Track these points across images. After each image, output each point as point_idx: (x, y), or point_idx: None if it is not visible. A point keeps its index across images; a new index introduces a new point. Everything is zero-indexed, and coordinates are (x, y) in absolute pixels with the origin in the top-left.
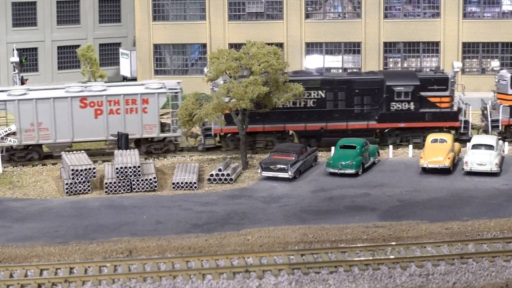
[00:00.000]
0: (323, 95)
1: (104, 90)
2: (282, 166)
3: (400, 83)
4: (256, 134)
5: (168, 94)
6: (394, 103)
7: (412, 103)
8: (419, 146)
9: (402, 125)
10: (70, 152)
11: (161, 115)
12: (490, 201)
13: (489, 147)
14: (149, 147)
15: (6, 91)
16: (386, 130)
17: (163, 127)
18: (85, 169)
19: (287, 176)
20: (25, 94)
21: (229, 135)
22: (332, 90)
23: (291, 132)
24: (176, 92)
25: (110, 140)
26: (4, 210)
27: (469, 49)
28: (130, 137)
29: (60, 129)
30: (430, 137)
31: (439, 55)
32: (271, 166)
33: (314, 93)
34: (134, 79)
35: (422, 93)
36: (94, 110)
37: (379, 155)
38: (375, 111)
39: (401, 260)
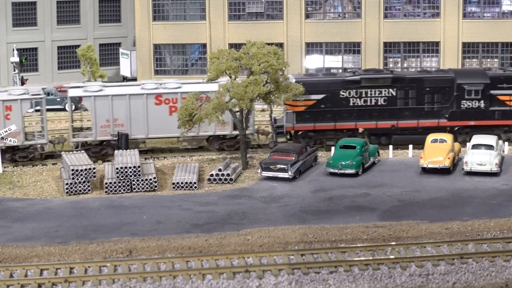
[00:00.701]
0: (394, 93)
1: (179, 87)
2: (282, 166)
3: (471, 81)
4: (326, 132)
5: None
6: (464, 101)
7: (482, 101)
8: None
9: (472, 123)
10: (70, 152)
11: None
12: (490, 201)
13: (489, 147)
14: (222, 144)
15: (81, 87)
16: (456, 128)
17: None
18: (85, 169)
19: (287, 176)
20: (101, 90)
21: (300, 132)
22: (403, 88)
23: (360, 130)
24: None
25: (184, 137)
26: (4, 210)
27: (469, 49)
28: (203, 134)
29: (135, 125)
30: (430, 137)
31: (439, 55)
32: (271, 166)
33: (385, 91)
34: (134, 79)
35: (492, 91)
36: (169, 107)
37: (379, 155)
38: (446, 109)
39: (401, 260)
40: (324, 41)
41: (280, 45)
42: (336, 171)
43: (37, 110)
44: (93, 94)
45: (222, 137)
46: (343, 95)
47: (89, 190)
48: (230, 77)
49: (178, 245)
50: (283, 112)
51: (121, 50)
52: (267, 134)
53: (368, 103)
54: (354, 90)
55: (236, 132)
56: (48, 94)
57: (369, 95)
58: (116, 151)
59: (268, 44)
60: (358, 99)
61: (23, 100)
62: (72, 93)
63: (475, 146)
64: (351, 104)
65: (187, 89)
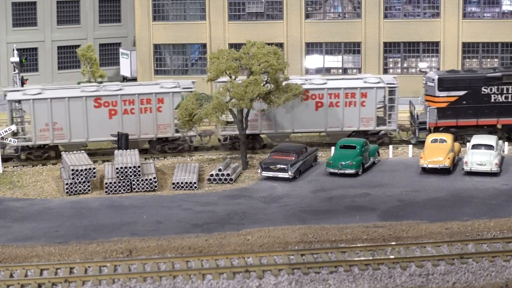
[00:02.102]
0: None
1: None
2: (282, 166)
3: None
4: (468, 128)
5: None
6: None
7: None
8: None
9: None
10: (70, 152)
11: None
12: (490, 201)
13: (489, 147)
14: (366, 138)
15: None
16: None
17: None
18: (85, 169)
19: (287, 176)
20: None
21: (441, 128)
22: None
23: (499, 126)
24: (393, 87)
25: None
26: (4, 210)
27: (469, 49)
28: (348, 129)
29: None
30: (430, 137)
31: (439, 55)
32: (271, 166)
33: None
34: (134, 79)
35: None
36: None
37: (379, 155)
38: None
39: (401, 260)
40: (324, 41)
41: (280, 45)
42: (336, 171)
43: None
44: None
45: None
46: (484, 91)
47: (89, 190)
48: (230, 77)
49: (178, 245)
50: (425, 109)
51: (121, 50)
52: (407, 130)
53: (510, 100)
54: (496, 87)
55: (379, 128)
56: None
57: (510, 91)
58: (116, 151)
59: (268, 44)
60: (499, 96)
61: (175, 93)
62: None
63: (475, 146)
64: (492, 100)
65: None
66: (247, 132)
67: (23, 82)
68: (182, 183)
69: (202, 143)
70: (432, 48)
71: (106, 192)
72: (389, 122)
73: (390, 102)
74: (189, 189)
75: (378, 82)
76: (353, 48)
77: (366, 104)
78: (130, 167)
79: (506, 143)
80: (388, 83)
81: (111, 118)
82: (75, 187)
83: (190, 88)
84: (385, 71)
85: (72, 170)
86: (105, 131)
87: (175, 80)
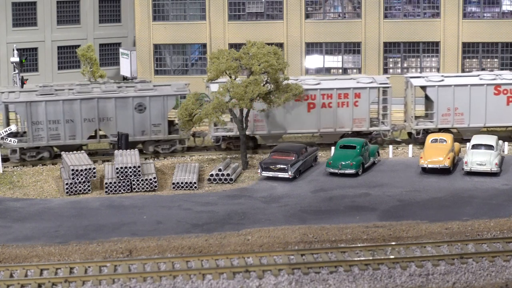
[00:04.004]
0: None
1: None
2: (282, 166)
3: None
4: None
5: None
6: None
7: None
8: None
9: None
10: (71, 152)
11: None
12: (490, 201)
13: (489, 147)
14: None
15: (424, 77)
16: None
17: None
18: (85, 169)
19: (287, 176)
20: (442, 80)
21: None
22: None
23: None
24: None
25: None
26: (4, 210)
27: (469, 49)
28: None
29: (474, 114)
30: (430, 137)
31: (439, 55)
32: (271, 166)
33: None
34: (134, 79)
35: None
36: (507, 97)
37: (379, 155)
38: None
39: (401, 260)
40: (324, 41)
41: (280, 45)
42: (336, 171)
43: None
44: (436, 83)
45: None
46: None
47: (89, 190)
48: (230, 77)
49: (178, 245)
50: None
51: (121, 50)
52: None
53: None
54: None
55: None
56: None
57: None
58: (116, 151)
59: (268, 44)
60: None
61: (371, 88)
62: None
63: (475, 146)
64: None
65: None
66: (440, 126)
67: (23, 82)
68: (182, 183)
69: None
70: (432, 48)
71: (106, 192)
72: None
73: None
74: (189, 189)
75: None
76: (353, 48)
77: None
78: (130, 167)
79: (506, 143)
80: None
81: (309, 112)
82: (75, 187)
83: (386, 83)
84: (385, 71)
85: (72, 170)
86: (303, 125)
87: (369, 76)
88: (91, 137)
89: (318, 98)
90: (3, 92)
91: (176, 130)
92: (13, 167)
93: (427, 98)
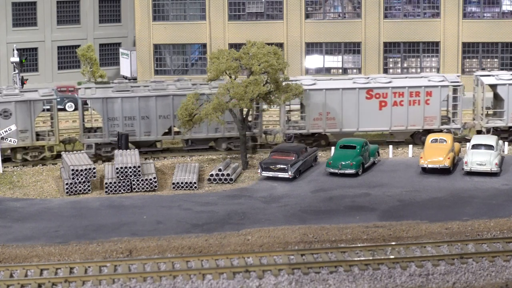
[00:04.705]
0: None
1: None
2: (282, 166)
3: None
4: None
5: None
6: None
7: None
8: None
9: None
10: (70, 152)
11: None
12: (490, 201)
13: (489, 147)
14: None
15: (494, 75)
16: None
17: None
18: (85, 169)
19: (287, 176)
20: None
21: None
22: None
23: None
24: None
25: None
26: (4, 210)
27: (469, 49)
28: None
29: None
30: (430, 137)
31: (439, 55)
32: (271, 166)
33: None
34: (134, 79)
35: None
36: None
37: (379, 155)
38: None
39: (401, 260)
40: (324, 41)
41: (280, 45)
42: (336, 171)
43: None
44: (508, 82)
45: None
46: None
47: (89, 190)
48: (230, 77)
49: (178, 245)
50: None
51: (121, 50)
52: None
53: None
54: None
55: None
56: None
57: None
58: (116, 151)
59: (268, 44)
60: None
61: (443, 87)
62: None
63: (475, 146)
64: None
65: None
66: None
67: (23, 82)
68: (182, 183)
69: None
70: (432, 48)
71: (106, 192)
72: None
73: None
74: (189, 189)
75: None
76: (353, 48)
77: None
78: (130, 167)
79: (506, 143)
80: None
81: (381, 110)
82: (75, 187)
83: (457, 82)
84: (385, 71)
85: (72, 170)
86: (375, 123)
87: (440, 74)
88: (165, 133)
89: (390, 96)
90: (79, 88)
91: (249, 127)
92: (13, 167)
93: (495, 96)
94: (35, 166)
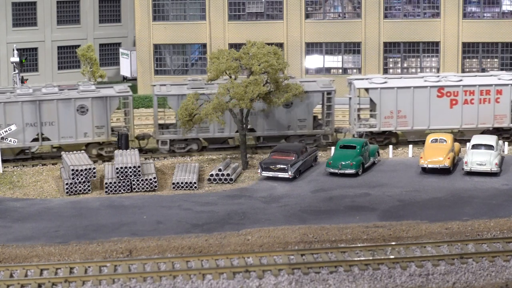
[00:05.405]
0: None
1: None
2: (282, 166)
3: None
4: None
5: None
6: None
7: None
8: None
9: None
10: (72, 152)
11: None
12: (490, 201)
13: (489, 147)
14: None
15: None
16: None
17: None
18: (85, 169)
19: (287, 176)
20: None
21: None
22: None
23: None
24: None
25: None
26: (4, 210)
27: (469, 49)
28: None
29: None
30: (430, 137)
31: (439, 55)
32: (271, 166)
33: None
34: (134, 79)
35: None
36: None
37: (379, 155)
38: None
39: (401, 260)
40: (324, 41)
41: (280, 45)
42: (336, 171)
43: None
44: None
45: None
46: None
47: (89, 190)
48: (230, 77)
49: (178, 245)
50: None
51: (121, 50)
52: None
53: None
54: None
55: None
56: None
57: None
58: (116, 151)
59: (268, 44)
60: None
61: None
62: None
63: (475, 146)
64: None
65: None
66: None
67: (23, 82)
68: (182, 183)
69: None
70: (432, 48)
71: (106, 192)
72: None
73: None
74: (189, 189)
75: None
76: (353, 48)
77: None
78: (130, 167)
79: (506, 143)
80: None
81: (452, 108)
82: (75, 187)
83: None
84: (385, 71)
85: (72, 170)
86: (446, 121)
87: (509, 73)
88: (237, 131)
89: (461, 95)
90: (154, 85)
91: (320, 125)
92: (13, 167)
93: None
94: (35, 166)
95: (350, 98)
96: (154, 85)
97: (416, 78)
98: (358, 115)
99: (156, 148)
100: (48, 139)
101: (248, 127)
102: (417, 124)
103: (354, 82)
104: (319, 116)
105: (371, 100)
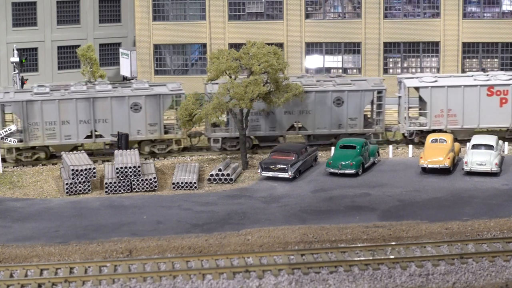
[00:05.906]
0: None
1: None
2: (282, 166)
3: None
4: None
5: None
6: None
7: None
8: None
9: None
10: (71, 152)
11: None
12: (490, 201)
13: (489, 147)
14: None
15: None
16: None
17: None
18: (85, 169)
19: (287, 176)
20: None
21: None
22: None
23: None
24: None
25: None
26: (4, 210)
27: (469, 49)
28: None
29: None
30: (430, 137)
31: (439, 55)
32: (271, 166)
33: None
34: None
35: None
36: None
37: (379, 155)
38: None
39: (401, 260)
40: (324, 41)
41: (280, 45)
42: (336, 171)
43: None
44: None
45: None
46: None
47: (89, 190)
48: (230, 77)
49: (178, 245)
50: None
51: (121, 50)
52: None
53: None
54: None
55: None
56: None
57: None
58: (116, 151)
59: (268, 44)
60: None
61: None
62: None
63: (475, 146)
64: None
65: None
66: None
67: (23, 82)
68: (182, 183)
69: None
70: (432, 48)
71: (106, 192)
72: None
73: None
74: (189, 189)
75: None
76: (353, 48)
77: None
78: (130, 167)
79: (506, 143)
80: None
81: (502, 106)
82: (75, 187)
83: None
84: (385, 71)
85: (72, 170)
86: (495, 119)
87: (510, 72)
88: (288, 129)
89: (510, 94)
90: (206, 84)
91: (370, 124)
92: (13, 167)
93: None
94: (35, 166)
95: (399, 97)
96: (206, 84)
97: (465, 77)
98: (408, 114)
99: (208, 146)
100: (101, 136)
101: (299, 126)
102: (467, 122)
103: (404, 81)
104: (369, 115)
105: (420, 98)
